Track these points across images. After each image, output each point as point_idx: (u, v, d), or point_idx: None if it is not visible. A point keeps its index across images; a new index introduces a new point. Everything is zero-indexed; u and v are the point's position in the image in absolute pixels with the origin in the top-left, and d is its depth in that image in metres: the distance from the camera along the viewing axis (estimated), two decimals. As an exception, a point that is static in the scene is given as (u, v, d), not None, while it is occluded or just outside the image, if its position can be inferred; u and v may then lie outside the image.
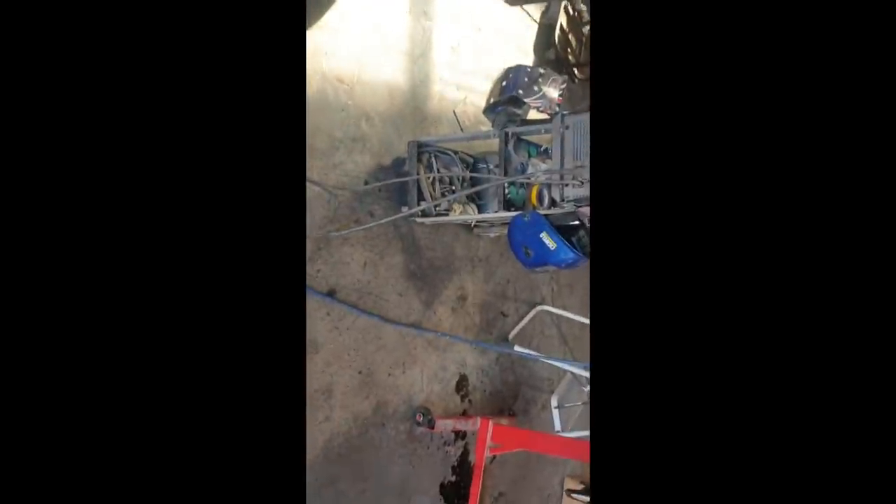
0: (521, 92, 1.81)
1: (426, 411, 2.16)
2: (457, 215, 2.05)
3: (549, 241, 1.85)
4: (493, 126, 1.96)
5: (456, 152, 2.06)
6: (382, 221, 1.92)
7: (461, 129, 2.35)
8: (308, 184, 1.77)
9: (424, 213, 2.01)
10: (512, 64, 1.91)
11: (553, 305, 2.90)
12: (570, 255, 1.82)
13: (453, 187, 2.05)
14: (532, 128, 1.92)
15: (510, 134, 1.90)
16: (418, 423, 2.13)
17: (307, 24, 1.75)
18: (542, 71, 1.87)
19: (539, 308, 2.82)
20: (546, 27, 1.95)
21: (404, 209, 2.00)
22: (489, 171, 2.06)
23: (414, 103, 2.23)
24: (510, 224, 1.91)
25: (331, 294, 1.87)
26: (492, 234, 2.39)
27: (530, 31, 1.98)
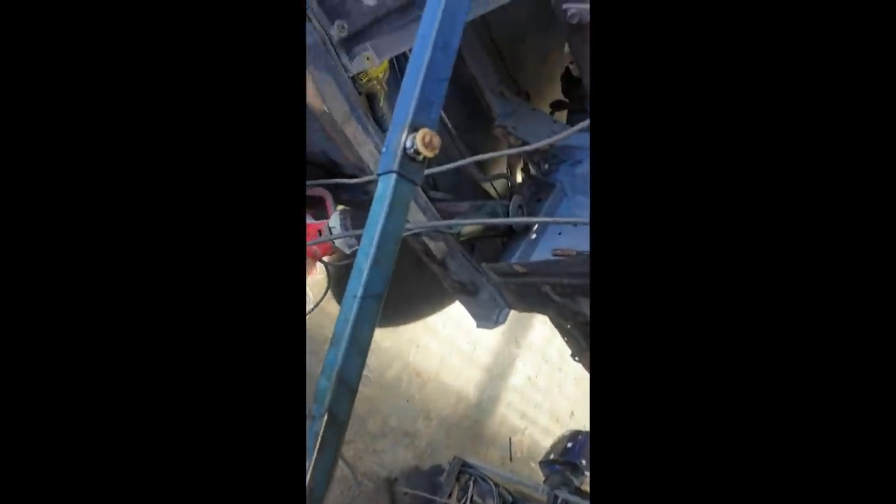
0: (583, 462, 1.74)
1: None
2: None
3: None
4: (544, 481, 1.84)
5: (497, 484, 1.92)
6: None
7: (511, 458, 2.25)
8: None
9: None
10: (583, 429, 1.89)
11: None
12: None
13: (481, 523, 1.85)
14: (584, 502, 1.77)
15: (560, 499, 1.76)
16: None
17: (414, 318, 1.93)
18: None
19: None
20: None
21: (421, 526, 1.79)
22: (525, 523, 1.86)
23: (475, 417, 2.22)
24: None
25: None
26: None
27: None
